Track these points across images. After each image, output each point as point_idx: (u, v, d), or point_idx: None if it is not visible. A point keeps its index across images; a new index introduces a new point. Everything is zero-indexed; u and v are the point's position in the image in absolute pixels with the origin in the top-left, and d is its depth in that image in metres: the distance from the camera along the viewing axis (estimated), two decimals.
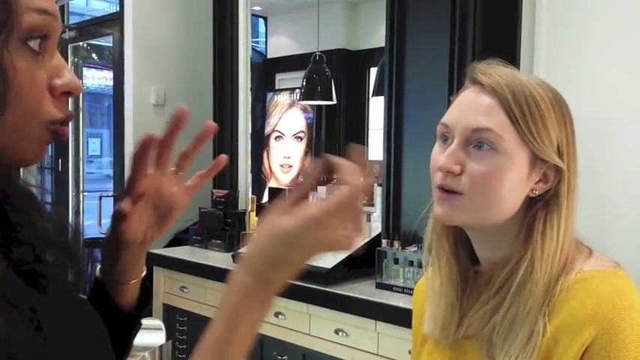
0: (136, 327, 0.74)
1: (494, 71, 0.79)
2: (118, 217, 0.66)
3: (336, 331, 2.30)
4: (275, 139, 4.58)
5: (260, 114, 4.44)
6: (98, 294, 0.71)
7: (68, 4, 4.33)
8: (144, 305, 0.74)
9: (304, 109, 4.40)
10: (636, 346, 0.71)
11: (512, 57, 2.08)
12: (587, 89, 2.05)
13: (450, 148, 0.78)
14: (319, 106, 4.24)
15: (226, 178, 3.24)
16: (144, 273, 0.74)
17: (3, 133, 0.49)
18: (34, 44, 0.49)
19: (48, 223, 0.53)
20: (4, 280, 0.47)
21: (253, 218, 3.19)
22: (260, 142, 4.43)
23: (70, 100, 0.56)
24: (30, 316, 0.47)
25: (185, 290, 2.90)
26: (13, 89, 0.48)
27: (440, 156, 0.79)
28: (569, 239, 0.78)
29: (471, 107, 0.78)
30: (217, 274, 2.69)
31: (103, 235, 0.71)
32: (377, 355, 2.17)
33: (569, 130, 0.79)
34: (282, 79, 4.76)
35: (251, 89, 3.33)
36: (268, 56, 4.84)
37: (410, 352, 0.98)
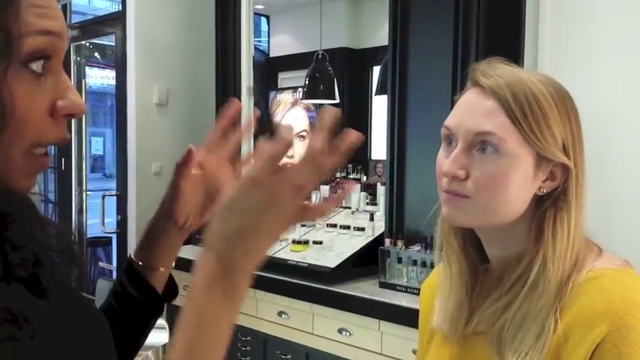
0: (159, 313, 0.77)
1: (494, 71, 0.78)
2: (185, 161, 0.71)
3: (340, 331, 2.30)
4: None
5: (263, 113, 4.44)
6: (130, 275, 0.75)
7: (71, 3, 4.33)
8: (170, 294, 0.78)
9: (307, 108, 4.40)
10: None
11: (515, 56, 2.08)
12: (592, 88, 2.04)
13: (454, 153, 0.78)
14: (322, 105, 4.24)
15: None
16: (173, 264, 0.77)
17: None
18: (36, 66, 0.48)
19: (49, 229, 0.52)
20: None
21: None
22: None
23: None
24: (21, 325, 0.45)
25: (188, 289, 2.90)
26: (10, 117, 0.46)
27: (445, 161, 0.79)
28: (579, 237, 0.78)
29: (472, 110, 0.78)
30: None
31: (107, 234, 0.75)
32: (380, 354, 2.17)
33: (574, 127, 0.78)
34: (285, 78, 4.76)
35: (253, 88, 3.32)
36: (271, 55, 4.84)
37: (414, 352, 0.98)
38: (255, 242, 0.52)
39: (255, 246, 0.52)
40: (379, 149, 4.12)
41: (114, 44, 3.82)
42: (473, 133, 0.77)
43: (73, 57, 4.22)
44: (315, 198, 3.08)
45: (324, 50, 4.02)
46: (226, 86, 3.31)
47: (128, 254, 0.78)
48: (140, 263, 0.75)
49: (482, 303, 0.82)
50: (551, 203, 0.78)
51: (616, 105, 2.04)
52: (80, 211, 4.24)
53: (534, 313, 0.75)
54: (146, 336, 0.78)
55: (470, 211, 0.78)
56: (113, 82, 3.90)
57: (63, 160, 4.22)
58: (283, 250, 2.59)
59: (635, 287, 0.74)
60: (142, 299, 0.75)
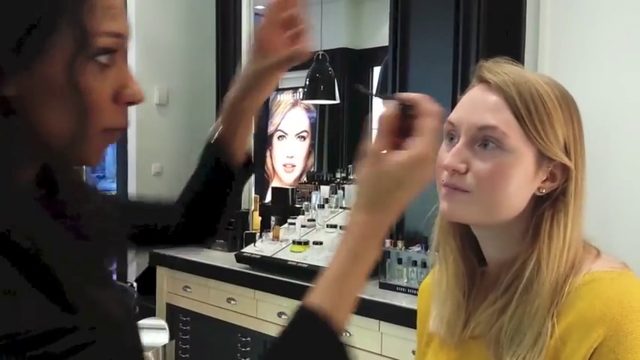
0: (245, 180, 0.91)
1: (500, 69, 0.79)
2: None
3: None
4: (278, 138, 4.58)
5: (263, 113, 4.44)
6: (210, 155, 0.87)
7: None
8: (250, 167, 0.89)
9: (307, 109, 4.40)
10: None
11: (516, 57, 2.07)
12: (592, 89, 2.04)
13: (456, 147, 0.78)
14: (322, 106, 4.24)
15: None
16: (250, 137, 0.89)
17: (67, 140, 0.53)
18: (103, 58, 0.54)
19: (98, 209, 0.59)
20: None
21: (256, 218, 3.19)
22: (263, 141, 4.43)
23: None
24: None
25: (188, 290, 2.90)
26: (89, 105, 0.53)
27: (446, 155, 0.78)
28: (576, 239, 0.77)
29: (477, 105, 0.78)
30: (220, 274, 2.69)
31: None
32: (380, 355, 2.17)
33: (576, 129, 0.78)
34: (285, 79, 4.76)
35: None
36: None
37: (414, 353, 0.97)
38: (403, 204, 0.63)
39: (401, 207, 0.63)
40: None
41: None
42: (476, 127, 0.76)
43: None
44: (315, 198, 3.08)
45: (324, 50, 4.01)
46: (227, 86, 3.28)
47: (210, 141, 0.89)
48: (222, 143, 0.86)
49: (480, 306, 0.81)
50: (549, 204, 0.77)
51: (616, 106, 2.04)
52: None
53: (530, 316, 0.74)
54: (237, 200, 0.94)
55: (469, 205, 0.77)
56: None
57: None
58: (283, 251, 2.59)
59: (632, 291, 0.73)
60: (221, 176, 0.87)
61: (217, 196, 0.90)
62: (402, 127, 0.63)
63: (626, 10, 2.02)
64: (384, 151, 0.62)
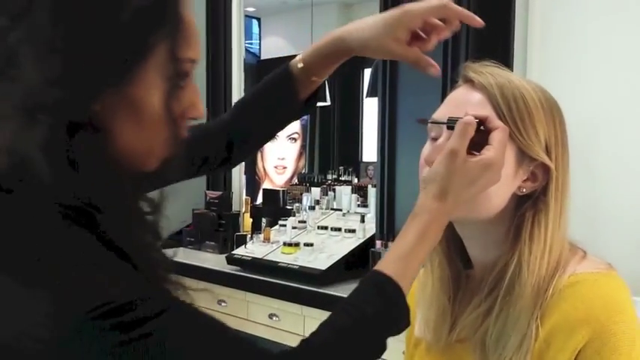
0: (300, 113, 0.93)
1: (485, 70, 0.79)
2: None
3: None
4: None
5: None
6: (283, 82, 0.89)
7: None
8: (313, 102, 0.92)
9: None
10: (629, 349, 0.70)
11: (505, 57, 2.09)
12: (582, 90, 2.06)
13: (438, 142, 0.78)
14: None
15: (220, 179, 3.24)
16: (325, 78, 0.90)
17: (138, 150, 0.60)
18: (181, 81, 0.61)
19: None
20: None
21: (247, 220, 3.19)
22: None
23: None
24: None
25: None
26: (157, 120, 0.59)
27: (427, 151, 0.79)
28: (559, 240, 0.77)
29: (459, 103, 0.79)
30: (211, 276, 2.69)
31: None
32: None
33: (558, 130, 0.78)
34: None
35: (245, 91, 3.32)
36: (262, 57, 4.84)
37: (404, 353, 0.97)
38: (469, 200, 0.72)
39: (467, 203, 0.72)
40: (370, 151, 4.12)
41: None
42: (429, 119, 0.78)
43: None
44: (306, 199, 3.08)
45: None
46: (217, 89, 3.30)
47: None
48: (300, 65, 0.88)
49: (465, 309, 0.81)
50: (530, 205, 0.77)
51: (606, 106, 2.05)
52: None
53: (514, 319, 0.74)
54: (278, 128, 0.96)
55: None
56: None
57: None
58: (274, 253, 2.59)
59: (615, 292, 0.74)
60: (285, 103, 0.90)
61: (271, 113, 0.92)
62: (474, 139, 0.71)
63: (615, 11, 2.04)
64: (465, 153, 0.70)
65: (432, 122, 0.76)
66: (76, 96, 0.54)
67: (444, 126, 0.77)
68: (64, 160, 0.53)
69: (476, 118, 0.72)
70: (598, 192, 2.02)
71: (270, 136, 0.98)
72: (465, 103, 0.78)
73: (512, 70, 1.94)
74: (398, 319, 0.67)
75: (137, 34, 0.56)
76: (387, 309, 0.66)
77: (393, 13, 0.79)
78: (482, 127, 0.72)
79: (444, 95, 0.84)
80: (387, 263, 0.69)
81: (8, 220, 0.53)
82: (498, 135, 0.71)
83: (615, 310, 0.72)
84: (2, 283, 0.52)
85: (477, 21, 0.79)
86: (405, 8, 0.78)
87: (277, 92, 0.90)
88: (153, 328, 0.53)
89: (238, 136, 0.92)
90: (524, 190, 0.77)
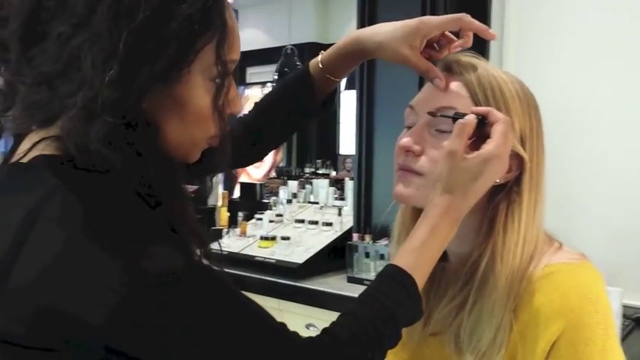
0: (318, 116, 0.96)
1: (463, 59, 0.80)
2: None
3: (308, 326, 2.29)
4: None
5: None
6: (303, 81, 0.91)
7: None
8: (330, 102, 0.95)
9: None
10: (603, 340, 0.71)
11: (482, 48, 2.09)
12: (557, 82, 2.07)
13: (413, 128, 0.79)
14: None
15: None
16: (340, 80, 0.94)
17: (182, 144, 0.65)
18: (223, 81, 0.65)
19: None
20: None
21: (224, 214, 3.16)
22: None
23: None
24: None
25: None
26: (200, 116, 0.65)
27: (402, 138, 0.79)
28: (533, 232, 0.77)
29: (437, 90, 0.79)
30: None
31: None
32: None
33: (533, 121, 0.78)
34: (253, 73, 4.73)
35: None
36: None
37: None
38: (477, 193, 0.74)
39: (477, 196, 0.74)
40: (348, 144, 4.12)
41: None
42: (434, 108, 0.77)
43: None
44: (283, 193, 3.07)
45: (292, 45, 3.99)
46: None
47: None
48: (321, 66, 0.90)
49: (440, 301, 0.81)
50: (504, 196, 0.77)
51: (579, 99, 2.07)
52: None
53: (488, 311, 0.74)
54: (291, 132, 1.02)
55: (421, 189, 0.77)
56: None
57: None
58: (250, 247, 2.58)
59: (589, 282, 0.74)
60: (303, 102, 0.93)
61: (288, 113, 0.95)
62: (476, 133, 0.73)
63: (591, 2, 2.05)
64: (464, 151, 0.72)
65: (442, 115, 0.77)
66: (129, 95, 0.59)
67: (420, 109, 0.79)
68: (125, 151, 0.59)
69: (477, 114, 0.73)
70: (572, 183, 2.04)
71: (289, 135, 1.02)
72: (442, 91, 0.78)
73: (488, 61, 1.95)
74: (413, 308, 0.70)
75: (185, 40, 0.60)
76: (403, 298, 0.69)
77: (411, 21, 0.82)
78: (485, 121, 0.74)
79: (420, 84, 0.84)
80: (400, 257, 0.72)
81: (93, 194, 0.59)
82: (498, 127, 0.72)
83: (590, 300, 0.72)
84: (84, 248, 0.55)
85: (490, 34, 0.83)
86: (424, 19, 0.82)
87: (297, 92, 0.93)
88: (195, 297, 0.58)
89: (259, 135, 0.96)
90: (497, 180, 0.77)
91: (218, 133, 0.68)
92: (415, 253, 0.72)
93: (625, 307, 1.82)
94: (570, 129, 2.05)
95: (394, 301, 0.68)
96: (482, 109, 0.74)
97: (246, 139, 0.94)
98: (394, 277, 0.71)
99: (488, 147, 0.72)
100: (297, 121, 0.97)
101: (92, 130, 0.58)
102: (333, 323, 0.67)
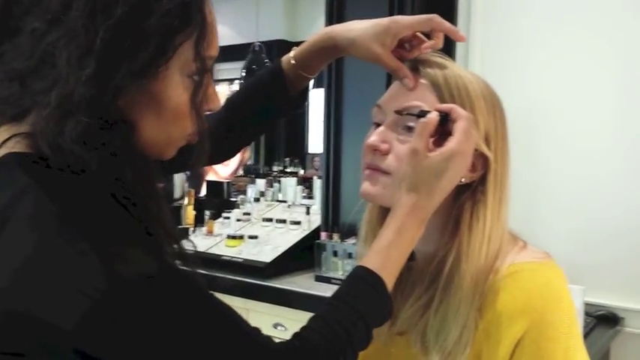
0: (290, 108, 0.94)
1: (430, 59, 0.80)
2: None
3: (275, 326, 2.28)
4: None
5: None
6: (274, 77, 0.90)
7: None
8: (303, 99, 0.93)
9: None
10: (566, 338, 0.71)
11: (448, 48, 2.11)
12: (521, 83, 2.10)
13: (380, 127, 0.79)
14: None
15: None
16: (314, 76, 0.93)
17: (159, 141, 0.64)
18: (201, 77, 0.64)
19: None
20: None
21: (190, 212, 3.12)
22: None
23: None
24: None
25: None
26: (177, 113, 0.64)
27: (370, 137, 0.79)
28: (498, 231, 0.77)
29: (404, 90, 0.79)
30: None
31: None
32: None
33: (498, 122, 0.79)
34: (221, 70, 4.69)
35: None
36: None
37: None
38: (442, 191, 0.74)
39: (442, 194, 0.74)
40: (316, 143, 4.12)
41: None
42: (401, 107, 0.77)
43: None
44: (250, 191, 3.04)
45: (260, 42, 3.97)
46: None
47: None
48: (293, 62, 0.89)
49: (407, 301, 0.81)
50: (469, 195, 0.78)
51: (543, 97, 2.10)
52: None
53: (454, 310, 0.74)
54: (262, 129, 1.00)
55: (388, 188, 0.77)
56: None
57: None
58: (217, 246, 2.55)
59: (553, 281, 0.75)
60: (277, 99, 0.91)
61: (260, 107, 0.94)
62: (440, 130, 0.73)
63: (553, 7, 2.09)
64: (426, 150, 0.72)
65: (407, 114, 0.77)
66: (106, 93, 0.57)
67: (387, 108, 0.79)
68: (100, 151, 0.58)
69: (440, 111, 0.73)
70: (534, 182, 2.07)
71: (261, 132, 1.01)
72: (409, 90, 0.78)
73: (455, 61, 1.96)
74: (383, 309, 0.70)
75: (163, 36, 0.59)
76: (373, 300, 0.69)
77: (383, 20, 0.82)
78: (448, 119, 0.74)
79: (388, 82, 0.84)
80: (368, 258, 0.72)
81: (66, 194, 0.57)
82: (459, 124, 0.73)
83: (553, 299, 0.72)
84: (55, 250, 0.54)
85: (460, 35, 0.84)
86: (395, 18, 0.82)
87: (269, 88, 0.92)
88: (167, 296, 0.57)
89: (230, 132, 0.95)
90: (462, 179, 0.77)
91: (196, 130, 0.67)
92: (383, 254, 0.72)
93: (587, 304, 1.86)
94: (534, 129, 2.08)
95: (364, 303, 0.68)
96: (445, 106, 0.75)
97: (218, 135, 0.93)
98: (363, 278, 0.70)
99: (450, 144, 0.72)
100: (269, 118, 0.96)
101: (66, 129, 0.57)
102: (303, 327, 0.67)
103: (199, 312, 0.59)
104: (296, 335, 0.65)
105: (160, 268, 0.57)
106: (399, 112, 0.77)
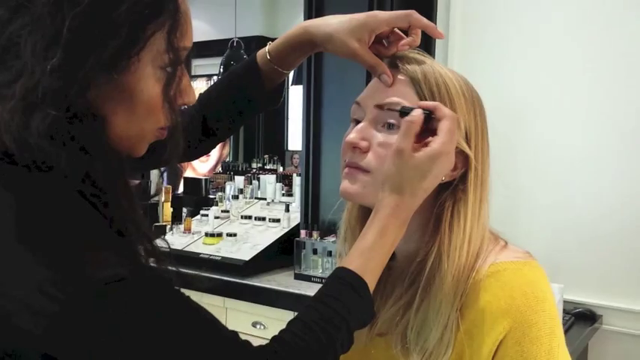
0: (267, 104, 0.93)
1: (410, 56, 0.79)
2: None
3: (254, 324, 2.26)
4: None
5: None
6: (249, 72, 0.89)
7: None
8: (279, 94, 0.92)
9: None
10: (549, 339, 0.71)
11: (427, 45, 2.10)
12: (502, 77, 2.11)
13: (360, 125, 0.77)
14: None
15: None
16: (289, 73, 0.92)
17: (131, 136, 0.62)
18: (174, 69, 0.62)
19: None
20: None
21: (167, 209, 3.09)
22: None
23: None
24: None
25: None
26: (149, 107, 0.61)
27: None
28: (479, 230, 0.77)
29: (383, 85, 0.78)
30: None
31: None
32: None
33: (478, 119, 0.78)
34: (199, 65, 4.64)
35: None
36: None
37: None
38: (425, 191, 0.73)
39: (424, 194, 0.73)
40: (295, 140, 4.10)
41: None
42: (380, 104, 0.76)
43: None
44: (229, 188, 3.02)
45: (239, 38, 3.94)
46: None
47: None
48: (269, 57, 0.88)
49: (387, 301, 0.80)
50: (450, 194, 0.77)
51: (522, 95, 2.11)
52: None
53: (435, 311, 0.73)
54: (237, 124, 0.97)
55: (368, 186, 0.76)
56: None
57: None
58: (195, 244, 2.52)
59: (535, 280, 0.74)
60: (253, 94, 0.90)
61: (237, 103, 0.92)
62: (422, 127, 0.72)
63: (533, 7, 2.10)
64: (411, 150, 0.71)
65: (389, 109, 0.76)
66: (73, 85, 0.55)
67: (366, 105, 0.78)
68: (69, 146, 0.56)
69: (424, 108, 0.72)
70: (513, 180, 2.08)
71: (236, 127, 0.99)
72: (387, 86, 0.77)
73: (434, 58, 1.96)
74: (365, 311, 0.69)
75: (134, 26, 0.57)
76: (354, 302, 0.68)
77: (360, 15, 0.81)
78: (432, 116, 0.73)
79: (368, 78, 0.83)
80: (350, 259, 0.71)
81: (31, 193, 0.55)
82: (444, 124, 0.72)
83: (536, 299, 0.72)
84: (18, 255, 0.53)
85: (438, 32, 0.83)
86: (373, 13, 0.80)
87: (244, 82, 0.90)
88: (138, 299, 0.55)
89: (205, 127, 0.93)
90: (443, 178, 0.76)
91: (168, 124, 0.64)
92: (365, 256, 0.70)
93: (565, 302, 1.88)
94: (513, 128, 2.09)
95: (346, 305, 0.67)
96: (429, 103, 0.74)
97: (192, 130, 0.91)
98: (345, 280, 0.69)
99: (435, 145, 0.71)
100: (244, 113, 0.93)
101: (32, 122, 0.54)
102: (283, 330, 0.65)
103: (174, 315, 0.57)
104: (275, 338, 0.63)
105: (132, 270, 0.55)
106: (380, 107, 0.76)
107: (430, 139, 0.72)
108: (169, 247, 0.67)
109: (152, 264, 0.63)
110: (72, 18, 0.54)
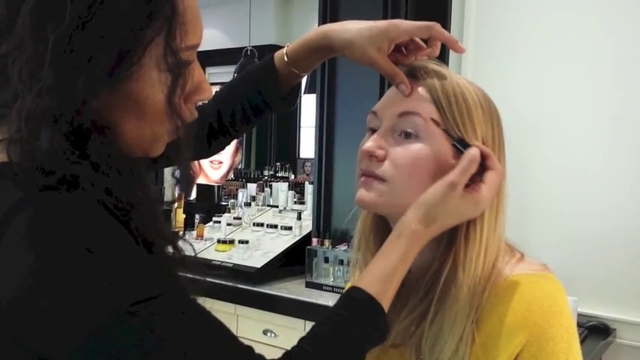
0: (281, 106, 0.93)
1: (428, 66, 0.79)
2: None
3: (265, 332, 2.26)
4: None
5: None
6: (266, 74, 0.89)
7: None
8: (294, 96, 0.92)
9: None
10: (566, 354, 0.70)
11: (440, 56, 2.10)
12: (514, 89, 2.10)
13: (377, 133, 0.77)
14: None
15: (151, 173, 3.13)
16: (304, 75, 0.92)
17: (144, 140, 0.62)
18: (183, 70, 0.61)
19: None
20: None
21: (180, 216, 3.10)
22: None
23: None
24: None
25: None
26: (159, 110, 0.60)
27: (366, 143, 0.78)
28: (495, 242, 0.76)
29: (400, 95, 0.78)
30: None
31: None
32: None
33: (496, 132, 0.78)
34: (213, 73, 4.66)
35: None
36: (198, 49, 4.72)
37: None
38: (445, 227, 0.74)
39: (443, 229, 0.74)
40: (308, 147, 4.10)
41: None
42: (397, 113, 0.76)
43: None
44: (241, 196, 3.02)
45: (252, 46, 3.96)
46: None
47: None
48: (286, 59, 0.88)
49: (401, 312, 0.79)
50: None
51: (534, 107, 2.10)
52: None
53: (450, 322, 0.72)
54: (251, 122, 0.95)
55: (384, 195, 0.75)
56: None
57: None
58: (207, 250, 2.52)
59: (553, 293, 0.73)
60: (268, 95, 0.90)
61: (249, 104, 0.92)
62: (458, 159, 0.73)
63: (548, 11, 2.09)
64: (462, 188, 0.72)
65: (447, 133, 0.76)
66: (71, 102, 0.54)
67: (383, 115, 0.78)
68: (83, 160, 0.55)
69: (481, 152, 0.73)
70: (528, 192, 2.07)
71: (250, 126, 0.98)
72: (405, 96, 0.77)
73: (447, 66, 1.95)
74: (378, 338, 0.69)
75: (128, 36, 0.56)
76: (371, 330, 0.67)
77: (381, 23, 0.80)
78: (482, 162, 0.74)
79: (382, 93, 0.82)
80: (371, 282, 0.70)
81: (61, 211, 0.54)
82: (493, 176, 0.73)
83: (553, 312, 0.71)
84: (54, 274, 0.52)
85: (459, 47, 0.83)
86: (394, 22, 0.80)
87: (260, 80, 0.90)
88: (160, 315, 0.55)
89: (220, 125, 0.93)
90: None
91: (181, 124, 0.63)
92: (387, 281, 0.70)
93: (579, 315, 1.86)
94: (526, 138, 2.07)
95: (362, 330, 0.66)
96: (485, 149, 0.74)
97: (206, 128, 0.91)
98: (364, 304, 0.68)
99: (483, 192, 0.72)
100: (258, 111, 0.93)
101: (42, 141, 0.54)
102: (296, 347, 0.64)
103: (198, 331, 0.57)
104: (287, 354, 0.63)
105: (162, 290, 0.55)
106: (400, 115, 0.76)
107: (478, 184, 0.73)
108: (195, 252, 0.67)
109: (179, 272, 0.62)
110: (56, 38, 0.53)
